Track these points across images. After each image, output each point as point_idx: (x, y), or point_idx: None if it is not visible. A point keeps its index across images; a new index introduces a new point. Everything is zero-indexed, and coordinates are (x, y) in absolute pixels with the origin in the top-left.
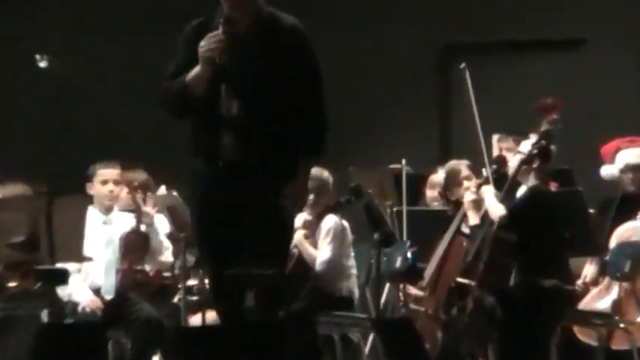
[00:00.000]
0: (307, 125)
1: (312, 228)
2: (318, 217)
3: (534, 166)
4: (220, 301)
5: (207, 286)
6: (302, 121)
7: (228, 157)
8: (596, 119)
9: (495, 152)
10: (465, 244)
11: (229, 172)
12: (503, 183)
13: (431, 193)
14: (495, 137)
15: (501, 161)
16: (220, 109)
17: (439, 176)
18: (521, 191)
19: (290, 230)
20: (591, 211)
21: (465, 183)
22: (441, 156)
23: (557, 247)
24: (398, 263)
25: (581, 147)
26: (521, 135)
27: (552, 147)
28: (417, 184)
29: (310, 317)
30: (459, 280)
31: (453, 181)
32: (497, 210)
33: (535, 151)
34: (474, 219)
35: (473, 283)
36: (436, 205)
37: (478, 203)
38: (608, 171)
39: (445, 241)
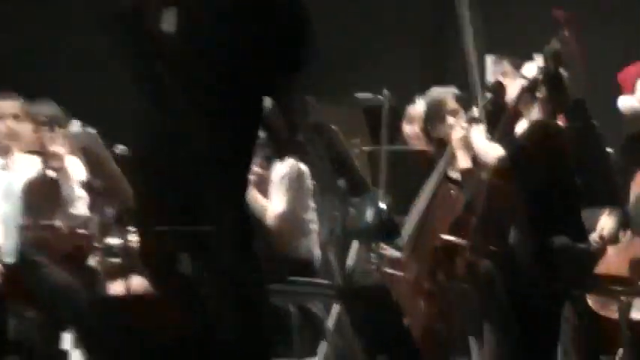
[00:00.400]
0: (281, 32)
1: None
2: (270, 160)
3: (540, 95)
4: (153, 265)
5: (137, 246)
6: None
7: (178, 89)
8: (614, 40)
9: (490, 78)
10: (453, 192)
11: (180, 108)
12: (500, 116)
13: (410, 129)
14: (490, 59)
15: (498, 89)
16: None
17: (419, 108)
18: (521, 127)
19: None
20: (610, 150)
21: (450, 119)
22: (422, 84)
23: (568, 196)
24: (369, 217)
25: (597, 73)
26: (523, 57)
27: (563, 71)
28: (393, 118)
29: (261, 285)
30: (447, 238)
31: (435, 114)
32: (492, 151)
33: (540, 76)
34: (464, 161)
35: (464, 243)
36: (416, 144)
37: (469, 141)
38: (627, 102)
39: (429, 189)
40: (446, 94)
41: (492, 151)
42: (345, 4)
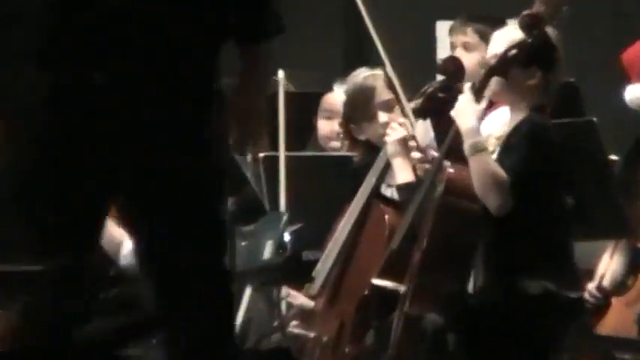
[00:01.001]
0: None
1: None
2: None
3: (531, 82)
4: None
5: None
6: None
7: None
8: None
9: (443, 53)
10: (387, 217)
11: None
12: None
13: (326, 126)
14: (442, 25)
15: (451, 69)
16: None
17: (338, 98)
18: (490, 122)
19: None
20: (614, 158)
21: (382, 116)
22: (348, 64)
23: (554, 222)
24: (267, 252)
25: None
26: (493, 23)
27: (554, 34)
28: (305, 111)
29: (120, 343)
30: (378, 282)
31: (361, 107)
32: (500, 178)
33: (515, 51)
34: (403, 173)
35: (402, 289)
36: (335, 148)
37: (408, 144)
38: (635, 93)
39: (353, 212)
40: (376, 78)
41: (501, 181)
42: None
